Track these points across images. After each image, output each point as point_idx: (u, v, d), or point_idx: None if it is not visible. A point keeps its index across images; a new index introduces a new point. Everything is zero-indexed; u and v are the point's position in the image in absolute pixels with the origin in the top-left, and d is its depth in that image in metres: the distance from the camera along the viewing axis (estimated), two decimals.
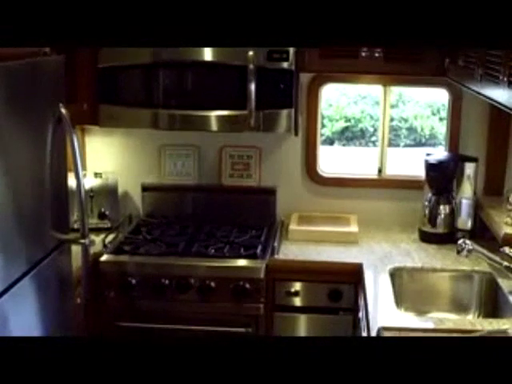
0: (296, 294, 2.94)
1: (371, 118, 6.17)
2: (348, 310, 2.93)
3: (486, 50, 2.26)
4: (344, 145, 6.30)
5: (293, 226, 3.27)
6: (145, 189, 3.52)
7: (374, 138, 5.90)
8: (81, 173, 2.48)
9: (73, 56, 2.84)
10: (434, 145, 5.97)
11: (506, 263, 2.54)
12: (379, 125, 3.55)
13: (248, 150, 3.47)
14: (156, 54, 2.98)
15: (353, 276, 2.89)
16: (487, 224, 3.04)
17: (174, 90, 3.05)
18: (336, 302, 2.93)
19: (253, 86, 2.88)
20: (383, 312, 2.44)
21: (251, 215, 3.42)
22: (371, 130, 6.18)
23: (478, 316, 2.77)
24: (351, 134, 6.33)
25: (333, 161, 4.19)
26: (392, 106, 4.04)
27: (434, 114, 6.23)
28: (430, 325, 2.35)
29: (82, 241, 2.53)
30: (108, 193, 3.35)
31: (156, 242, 3.12)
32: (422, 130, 6.26)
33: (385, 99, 3.45)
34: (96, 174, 3.35)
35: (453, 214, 3.18)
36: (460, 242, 2.63)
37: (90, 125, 3.27)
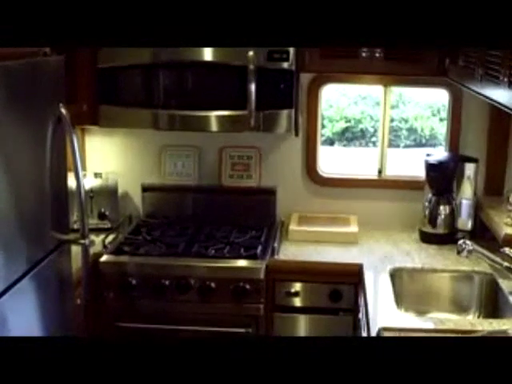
0: (296, 294, 2.94)
1: (371, 118, 6.16)
2: (348, 311, 2.93)
3: (486, 50, 2.25)
4: (344, 145, 6.29)
5: (293, 227, 3.27)
6: (145, 189, 3.52)
7: (374, 139, 5.89)
8: (81, 173, 2.48)
9: (73, 56, 2.84)
10: (434, 145, 5.96)
11: (506, 264, 2.53)
12: (379, 125, 3.55)
13: (248, 150, 3.47)
14: (156, 55, 2.98)
15: (353, 276, 2.89)
16: (487, 224, 3.04)
17: (174, 90, 3.05)
18: (336, 303, 2.93)
19: (253, 87, 2.87)
20: (383, 312, 2.43)
21: (251, 216, 3.42)
22: (371, 130, 6.17)
23: (479, 316, 2.77)
24: (351, 135, 6.32)
25: (333, 161, 4.18)
26: (392, 107, 4.03)
27: (434, 115, 6.22)
28: (430, 325, 2.34)
29: (82, 241, 2.53)
30: (108, 193, 3.35)
31: (156, 243, 3.11)
32: (422, 130, 6.25)
33: (385, 100, 3.45)
34: (96, 175, 3.35)
35: (453, 215, 3.18)
36: (460, 242, 2.63)
37: (89, 125, 3.27)
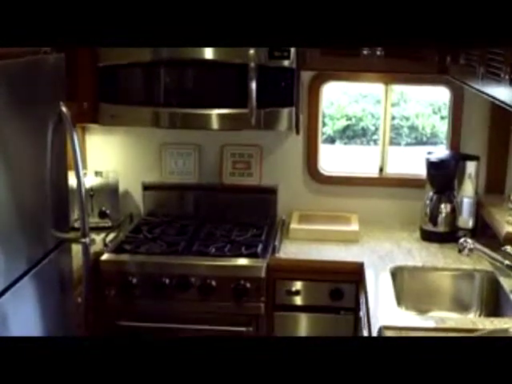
0: (297, 293, 2.94)
1: (372, 116, 6.17)
2: (349, 309, 2.92)
3: (486, 49, 2.25)
4: (345, 143, 6.30)
5: (294, 225, 3.26)
6: (145, 187, 3.51)
7: (375, 137, 5.90)
8: (81, 171, 2.48)
9: (73, 54, 2.83)
10: (435, 143, 5.97)
11: (507, 262, 2.53)
12: (380, 123, 3.55)
13: (249, 148, 3.47)
14: (156, 53, 2.97)
15: (354, 275, 2.88)
16: (489, 223, 3.04)
17: (174, 88, 3.05)
18: (337, 301, 2.92)
19: (254, 85, 2.87)
20: (384, 311, 2.43)
21: (252, 214, 3.41)
22: (372, 128, 6.18)
23: (480, 315, 2.76)
24: (352, 133, 6.33)
25: (334, 159, 4.19)
26: (393, 105, 4.03)
27: (435, 113, 6.23)
28: (431, 324, 2.34)
29: (83, 240, 2.52)
30: (109, 191, 3.35)
31: (157, 241, 3.11)
32: (423, 128, 6.26)
33: (386, 98, 3.44)
34: (97, 173, 3.34)
35: (454, 213, 3.17)
36: (461, 240, 2.62)
37: (90, 123, 3.27)
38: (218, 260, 2.93)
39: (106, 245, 3.06)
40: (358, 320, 2.84)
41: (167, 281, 2.88)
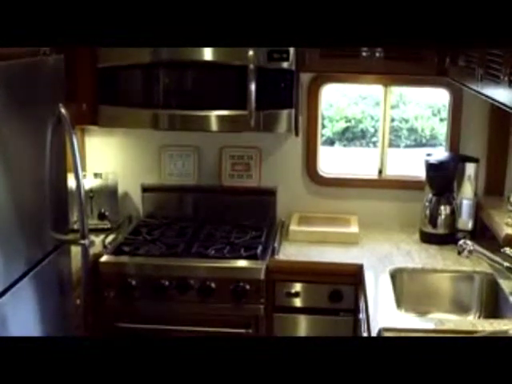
0: (296, 294, 2.94)
1: (372, 118, 6.16)
2: (348, 311, 2.92)
3: (486, 50, 2.25)
4: (345, 145, 6.29)
5: (293, 227, 3.26)
6: (145, 189, 3.51)
7: (374, 139, 5.89)
8: (80, 173, 2.48)
9: (73, 56, 2.83)
10: (434, 145, 5.96)
11: (506, 264, 2.53)
12: (380, 125, 3.54)
13: (248, 150, 3.46)
14: (156, 54, 2.97)
15: (353, 277, 2.88)
16: (488, 224, 3.04)
17: (173, 90, 3.05)
18: (336, 303, 2.92)
19: (253, 86, 2.87)
20: (384, 313, 2.43)
21: (251, 216, 3.41)
22: (372, 130, 6.17)
23: (479, 317, 2.76)
24: (352, 135, 6.32)
25: (333, 161, 4.18)
26: (392, 107, 4.03)
27: (434, 115, 6.22)
28: (430, 326, 2.34)
29: (82, 241, 2.53)
30: (108, 193, 3.35)
31: (156, 243, 3.11)
32: (422, 130, 6.25)
33: (385, 100, 3.44)
34: (96, 175, 3.34)
35: (453, 215, 3.17)
36: (461, 242, 2.62)
37: (89, 125, 3.26)
38: (217, 262, 2.93)
39: (105, 246, 3.05)
40: (357, 322, 2.84)
41: (166, 283, 2.88)
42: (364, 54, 2.98)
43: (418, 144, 6.18)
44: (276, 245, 3.10)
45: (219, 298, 2.87)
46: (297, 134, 3.13)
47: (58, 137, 2.44)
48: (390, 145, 3.67)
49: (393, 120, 5.38)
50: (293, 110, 2.99)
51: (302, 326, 2.98)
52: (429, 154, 3.25)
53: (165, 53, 2.97)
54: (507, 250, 2.55)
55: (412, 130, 6.26)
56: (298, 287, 2.93)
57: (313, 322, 2.97)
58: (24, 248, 2.24)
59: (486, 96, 2.29)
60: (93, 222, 3.25)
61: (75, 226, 2.71)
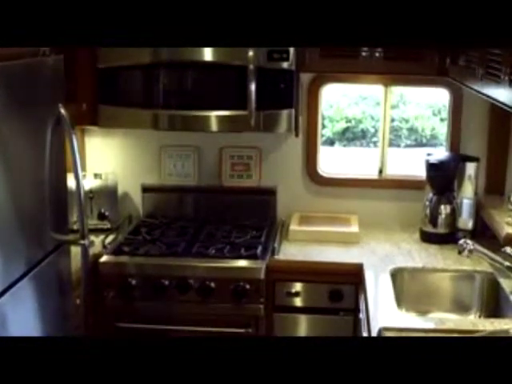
0: (296, 294, 2.93)
1: (372, 118, 6.16)
2: (349, 311, 2.92)
3: (486, 49, 2.25)
4: (345, 145, 6.29)
5: (293, 227, 3.26)
6: (145, 189, 3.51)
7: (374, 139, 5.89)
8: (80, 173, 2.48)
9: (72, 56, 2.83)
10: (434, 145, 5.96)
11: (507, 263, 2.53)
12: (380, 125, 3.54)
13: (248, 150, 3.46)
14: (156, 55, 2.97)
15: (353, 276, 2.88)
16: (488, 224, 3.03)
17: (173, 90, 3.04)
18: (337, 303, 2.92)
19: (253, 86, 2.87)
20: (384, 312, 2.43)
21: (251, 216, 3.41)
22: (372, 130, 6.17)
23: (480, 316, 2.76)
24: (352, 135, 6.32)
25: (334, 162, 4.18)
26: (393, 107, 4.03)
27: (434, 115, 6.22)
28: (431, 325, 2.34)
29: (82, 242, 2.53)
30: (108, 193, 3.35)
31: (156, 243, 3.11)
32: (422, 130, 6.25)
33: (385, 100, 3.44)
34: (96, 175, 3.34)
35: (454, 214, 3.17)
36: (461, 242, 2.62)
37: (89, 125, 3.26)
38: (217, 262, 2.93)
39: (105, 247, 3.05)
40: (357, 321, 2.83)
41: (166, 282, 2.87)
42: (364, 54, 2.98)
43: (419, 144, 6.18)
44: (276, 244, 3.10)
45: (219, 297, 2.87)
46: (297, 134, 3.13)
47: (58, 137, 2.44)
48: (391, 145, 3.68)
49: (393, 120, 5.38)
50: (293, 110, 2.99)
51: (302, 326, 2.98)
52: (429, 154, 3.25)
53: (165, 53, 2.97)
54: (508, 249, 2.55)
55: (412, 130, 6.25)
56: (298, 287, 2.93)
57: (313, 321, 2.97)
58: (24, 248, 2.24)
59: (487, 96, 2.28)
60: (93, 222, 3.25)
61: (75, 227, 2.71)
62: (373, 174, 3.51)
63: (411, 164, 3.85)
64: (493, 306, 2.70)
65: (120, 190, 3.43)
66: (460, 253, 2.61)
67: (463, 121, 3.34)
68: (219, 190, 3.49)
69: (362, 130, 6.29)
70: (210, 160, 3.50)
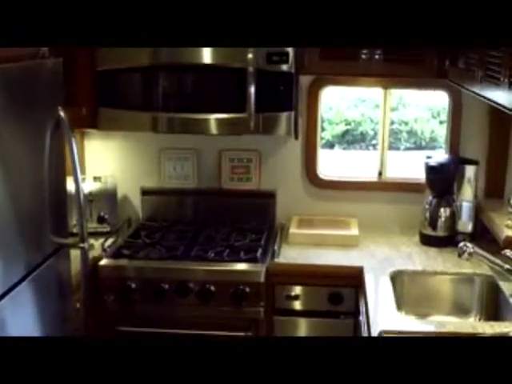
0: (296, 297, 2.93)
1: (371, 121, 6.17)
2: (349, 314, 2.91)
3: (485, 51, 2.25)
4: (344, 148, 6.29)
5: (293, 230, 3.25)
6: (144, 192, 3.51)
7: (374, 142, 5.89)
8: (80, 177, 2.47)
9: (71, 59, 2.83)
10: (434, 148, 5.96)
11: (507, 266, 2.52)
12: (379, 128, 3.54)
13: (248, 153, 3.46)
14: (155, 57, 2.96)
15: (353, 279, 2.87)
16: (488, 227, 3.03)
17: (173, 92, 3.04)
18: (336, 306, 2.91)
19: (252, 89, 2.86)
20: (384, 315, 2.42)
21: (251, 219, 3.41)
22: (371, 133, 6.17)
23: (480, 319, 2.76)
24: (351, 138, 6.33)
25: (333, 164, 4.18)
26: (392, 109, 4.03)
27: (434, 117, 6.23)
28: (431, 328, 2.34)
29: (81, 245, 2.52)
30: (107, 197, 3.35)
31: (155, 246, 3.10)
32: (422, 133, 6.25)
33: (385, 102, 3.44)
34: (95, 178, 3.34)
35: (453, 217, 3.17)
36: (461, 244, 2.62)
37: (88, 128, 3.26)
38: (217, 265, 2.92)
39: (104, 250, 3.04)
40: (357, 324, 2.83)
41: (166, 286, 2.87)
42: (363, 56, 2.98)
43: (418, 146, 6.18)
44: (276, 248, 3.09)
45: (219, 301, 2.87)
46: (296, 136, 3.13)
47: (57, 140, 2.43)
48: (390, 147, 3.67)
49: (392, 122, 5.38)
50: (292, 113, 2.99)
51: (302, 329, 2.98)
52: (429, 157, 3.25)
53: (164, 56, 2.96)
54: (507, 252, 2.55)
55: (412, 133, 6.26)
56: (297, 290, 2.93)
57: (313, 324, 2.96)
58: (23, 251, 2.24)
59: (486, 98, 2.28)
60: (92, 225, 3.24)
61: (74, 230, 2.70)
62: (372, 177, 3.51)
63: (411, 167, 3.84)
64: (493, 309, 2.70)
65: (119, 193, 3.42)
66: (460, 256, 2.61)
67: (463, 123, 3.34)
68: (219, 193, 3.49)
69: (362, 133, 6.29)
70: (210, 163, 3.50)
